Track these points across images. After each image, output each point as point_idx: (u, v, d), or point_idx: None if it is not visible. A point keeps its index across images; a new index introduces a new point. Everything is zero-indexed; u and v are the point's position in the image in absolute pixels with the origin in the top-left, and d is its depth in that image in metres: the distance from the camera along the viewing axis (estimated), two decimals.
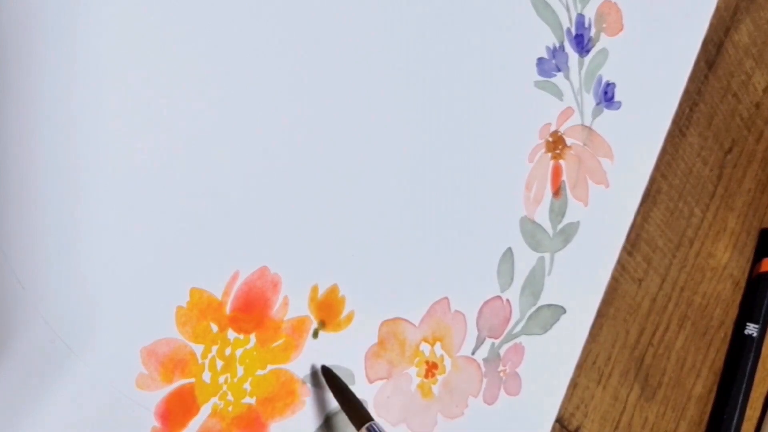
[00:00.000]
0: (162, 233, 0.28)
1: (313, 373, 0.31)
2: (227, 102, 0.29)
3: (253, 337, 0.30)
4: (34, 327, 0.25)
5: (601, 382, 0.40)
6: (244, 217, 0.29)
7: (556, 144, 0.38)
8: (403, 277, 0.33)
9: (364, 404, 0.32)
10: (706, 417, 0.45)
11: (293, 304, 0.31)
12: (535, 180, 0.37)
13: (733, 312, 0.47)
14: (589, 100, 0.39)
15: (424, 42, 0.34)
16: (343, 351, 0.32)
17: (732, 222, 0.47)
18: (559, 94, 0.38)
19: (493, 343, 0.36)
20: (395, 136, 0.33)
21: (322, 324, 0.31)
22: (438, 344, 0.35)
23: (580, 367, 0.39)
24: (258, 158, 0.30)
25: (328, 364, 0.31)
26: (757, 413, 0.48)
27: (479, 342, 0.36)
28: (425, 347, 0.34)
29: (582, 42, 0.39)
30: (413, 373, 0.34)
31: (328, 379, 0.31)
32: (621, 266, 0.41)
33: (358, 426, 0.29)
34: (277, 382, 0.30)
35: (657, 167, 0.42)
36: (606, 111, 0.40)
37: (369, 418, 0.29)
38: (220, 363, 0.29)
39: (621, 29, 0.40)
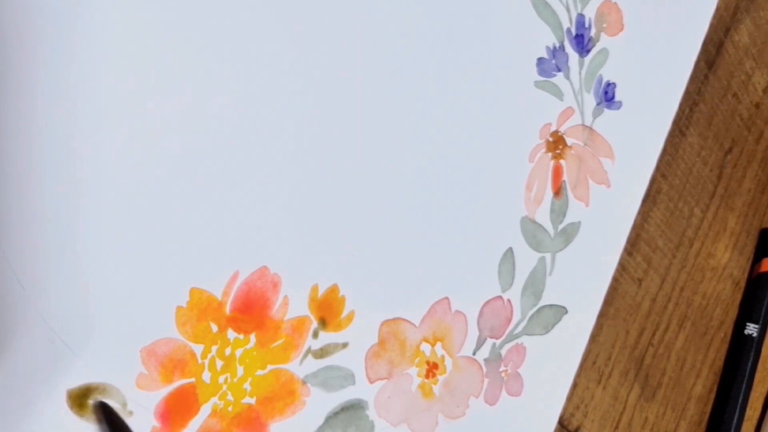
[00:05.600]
0: (162, 233, 0.28)
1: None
2: (227, 102, 0.29)
3: (253, 337, 0.30)
4: (34, 327, 0.25)
5: (601, 382, 0.40)
6: (244, 217, 0.29)
7: (556, 144, 0.38)
8: (404, 277, 0.33)
9: (365, 405, 0.32)
10: (706, 417, 0.45)
11: (293, 304, 0.31)
12: (536, 180, 0.37)
13: (733, 312, 0.47)
14: (590, 100, 0.39)
15: (425, 42, 0.34)
16: (343, 351, 0.32)
17: (732, 222, 0.47)
18: (559, 94, 0.38)
19: (494, 344, 0.36)
20: (395, 136, 0.33)
21: (323, 324, 0.31)
22: (439, 344, 0.34)
23: (580, 367, 0.39)
24: (258, 158, 0.30)
25: (327, 364, 0.31)
26: (757, 413, 0.48)
27: (480, 342, 0.36)
28: (426, 347, 0.34)
29: (582, 42, 0.39)
30: (414, 374, 0.34)
31: (106, 415, 0.26)
32: (621, 266, 0.41)
33: None
34: (277, 382, 0.30)
35: (657, 167, 0.42)
36: (606, 111, 0.40)
37: None
38: (219, 363, 0.29)
39: (621, 29, 0.40)
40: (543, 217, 0.37)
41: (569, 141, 0.38)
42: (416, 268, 0.34)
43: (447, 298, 0.35)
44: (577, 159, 0.39)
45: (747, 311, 0.47)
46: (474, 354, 0.35)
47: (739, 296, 0.47)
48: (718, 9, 0.45)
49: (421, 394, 0.34)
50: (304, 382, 0.31)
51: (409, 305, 0.34)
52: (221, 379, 0.29)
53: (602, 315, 0.40)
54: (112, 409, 0.27)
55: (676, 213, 0.44)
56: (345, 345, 0.32)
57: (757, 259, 0.48)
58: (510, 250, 0.36)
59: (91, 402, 0.27)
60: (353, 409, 0.32)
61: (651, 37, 0.41)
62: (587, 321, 0.39)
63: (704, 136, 0.45)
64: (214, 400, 0.29)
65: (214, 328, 0.29)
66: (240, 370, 0.29)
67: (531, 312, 0.37)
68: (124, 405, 0.27)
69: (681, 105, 0.43)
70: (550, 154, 0.38)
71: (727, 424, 0.44)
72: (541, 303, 0.37)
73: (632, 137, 0.41)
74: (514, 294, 0.37)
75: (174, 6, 0.28)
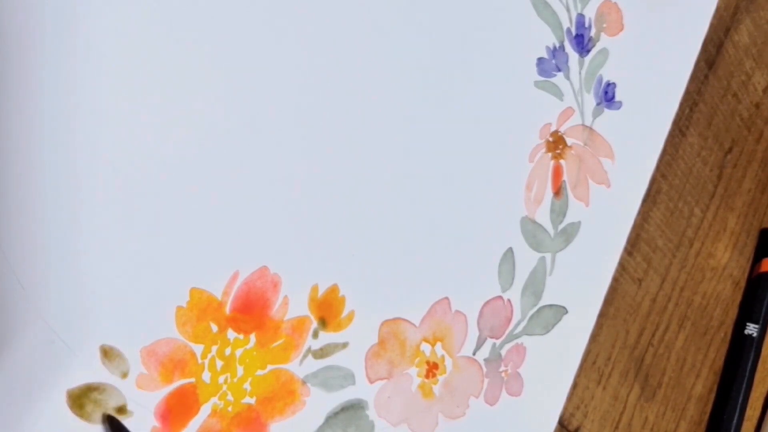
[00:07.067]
0: (162, 233, 0.28)
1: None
2: (227, 102, 0.29)
3: (252, 337, 0.30)
4: (34, 327, 0.25)
5: (601, 382, 0.40)
6: (244, 217, 0.29)
7: (556, 144, 0.38)
8: (404, 276, 0.33)
9: (365, 405, 0.32)
10: (706, 417, 0.45)
11: (293, 304, 0.31)
12: (536, 180, 0.37)
13: (733, 312, 0.47)
14: (590, 100, 0.39)
15: (425, 42, 0.34)
16: (343, 351, 0.32)
17: (732, 222, 0.47)
18: (559, 94, 0.38)
19: (494, 344, 0.36)
20: (396, 136, 0.33)
21: (323, 324, 0.31)
22: (439, 344, 0.34)
23: (580, 367, 0.39)
24: (258, 158, 0.30)
25: (327, 364, 0.31)
26: (757, 413, 0.48)
27: (480, 342, 0.36)
28: (426, 347, 0.34)
29: (582, 42, 0.39)
30: (414, 374, 0.34)
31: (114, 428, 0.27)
32: (621, 266, 0.41)
33: None
34: (277, 382, 0.30)
35: (657, 167, 0.42)
36: (606, 111, 0.40)
37: None
38: (219, 363, 0.29)
39: (621, 29, 0.40)
40: (543, 217, 0.37)
41: (569, 141, 0.38)
42: (416, 268, 0.34)
43: (447, 298, 0.35)
44: (577, 159, 0.39)
45: (747, 311, 0.47)
46: (474, 354, 0.35)
47: (739, 296, 0.47)
48: (718, 9, 0.45)
49: (421, 394, 0.34)
50: (304, 382, 0.31)
51: (409, 305, 0.34)
52: (221, 379, 0.29)
53: (602, 315, 0.40)
54: (120, 423, 0.27)
55: (676, 213, 0.44)
56: (345, 345, 0.32)
57: (757, 259, 0.48)
58: (510, 250, 0.36)
59: (102, 413, 0.27)
60: (353, 409, 0.32)
61: (651, 37, 0.41)
62: (587, 321, 0.39)
63: (704, 136, 0.45)
64: (214, 400, 0.29)
65: (214, 328, 0.29)
66: (240, 370, 0.29)
67: (531, 312, 0.37)
68: (124, 405, 0.27)
69: (681, 105, 0.43)
70: (550, 154, 0.38)
71: (727, 424, 0.44)
72: (541, 303, 0.37)
73: (632, 137, 0.41)
74: (514, 294, 0.37)
75: (174, 6, 0.28)
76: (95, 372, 0.27)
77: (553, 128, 0.38)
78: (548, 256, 0.38)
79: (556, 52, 0.38)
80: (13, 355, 0.25)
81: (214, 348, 0.29)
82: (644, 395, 0.42)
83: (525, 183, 0.37)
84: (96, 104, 0.27)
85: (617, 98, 0.40)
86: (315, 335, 0.31)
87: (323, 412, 0.31)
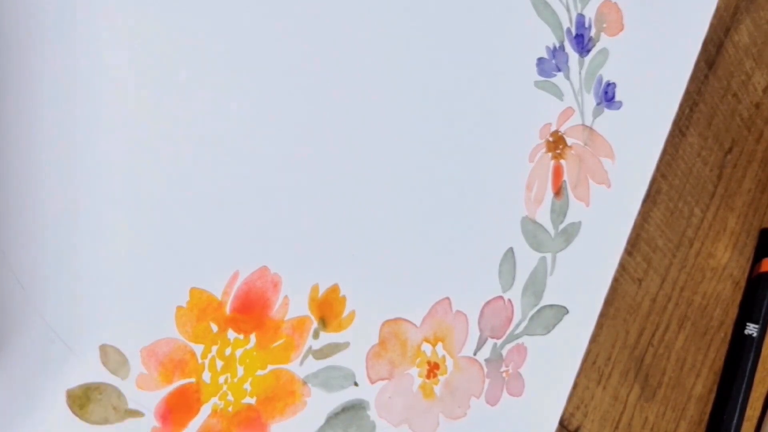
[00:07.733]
0: (162, 233, 0.28)
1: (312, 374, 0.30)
2: (227, 102, 0.29)
3: (253, 337, 0.30)
4: (34, 327, 0.25)
5: (601, 382, 0.40)
6: (244, 217, 0.29)
7: (556, 144, 0.38)
8: (404, 277, 0.33)
9: (366, 405, 0.32)
10: (706, 417, 0.45)
11: (293, 304, 0.31)
12: (536, 180, 0.37)
13: (733, 312, 0.47)
14: (590, 100, 0.39)
15: (425, 42, 0.34)
16: (344, 351, 0.32)
17: (732, 222, 0.47)
18: (559, 94, 0.38)
19: (495, 344, 0.36)
20: (396, 136, 0.33)
21: (323, 324, 0.31)
22: (440, 344, 0.34)
23: (580, 367, 0.39)
24: (258, 158, 0.30)
25: (328, 364, 0.31)
26: (757, 413, 0.48)
27: (481, 342, 0.36)
28: (427, 347, 0.34)
29: (582, 42, 0.39)
30: (415, 374, 0.34)
31: None
32: (621, 266, 0.41)
33: None
34: (278, 383, 0.30)
35: (657, 167, 0.42)
36: (606, 111, 0.40)
37: None
38: (220, 363, 0.29)
39: (621, 29, 0.40)
40: (543, 217, 0.37)
41: (569, 141, 0.38)
42: (417, 268, 0.34)
43: (448, 298, 0.35)
44: (577, 159, 0.39)
45: (747, 311, 0.47)
46: (475, 354, 0.35)
47: (739, 296, 0.47)
48: (718, 9, 0.45)
49: (422, 394, 0.34)
50: (304, 383, 0.31)
51: (409, 305, 0.34)
52: (221, 379, 0.29)
53: (602, 315, 0.40)
54: None
55: (676, 213, 0.44)
56: (346, 345, 0.32)
57: (757, 259, 0.48)
58: (510, 250, 0.36)
59: None
60: (354, 409, 0.32)
61: (651, 37, 0.41)
62: (588, 321, 0.39)
63: (704, 136, 0.45)
64: (215, 400, 0.29)
65: (214, 328, 0.29)
66: (240, 370, 0.29)
67: (532, 312, 0.37)
68: (125, 405, 0.27)
69: (681, 105, 0.43)
70: (550, 154, 0.38)
71: (727, 424, 0.44)
72: (542, 303, 0.37)
73: (632, 137, 0.41)
74: (514, 294, 0.37)
75: (176, 6, 0.28)
76: (95, 372, 0.27)
77: (553, 128, 0.38)
78: (549, 256, 0.38)
79: (556, 52, 0.38)
80: (13, 355, 0.25)
81: (214, 348, 0.29)
82: (644, 395, 0.42)
83: (525, 183, 0.37)
84: (96, 104, 0.27)
85: (617, 98, 0.40)
86: (315, 335, 0.31)
87: (324, 413, 0.31)
